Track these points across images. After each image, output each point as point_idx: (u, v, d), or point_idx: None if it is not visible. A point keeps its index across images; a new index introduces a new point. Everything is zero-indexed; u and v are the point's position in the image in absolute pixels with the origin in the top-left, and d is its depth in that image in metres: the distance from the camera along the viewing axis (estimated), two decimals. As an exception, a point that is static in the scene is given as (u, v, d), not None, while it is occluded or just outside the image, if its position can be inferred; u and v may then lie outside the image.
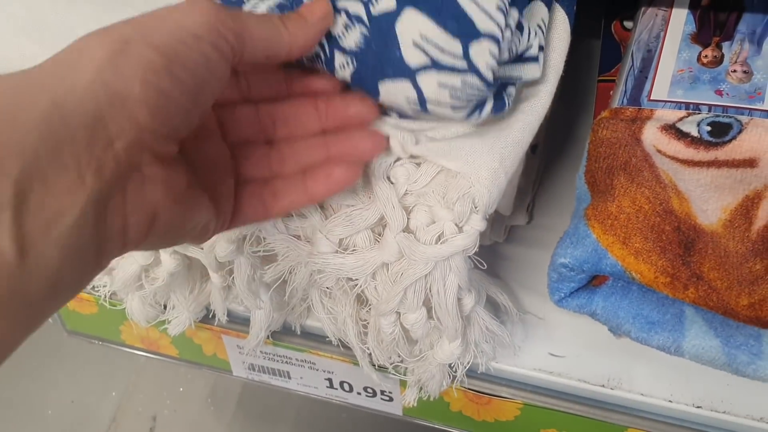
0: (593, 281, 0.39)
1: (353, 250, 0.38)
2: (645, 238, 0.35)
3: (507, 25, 0.33)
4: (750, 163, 0.36)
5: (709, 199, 0.36)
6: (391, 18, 0.32)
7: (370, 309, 0.41)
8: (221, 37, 0.27)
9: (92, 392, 1.01)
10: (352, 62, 0.33)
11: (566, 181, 0.53)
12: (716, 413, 0.42)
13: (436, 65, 0.32)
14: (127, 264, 0.45)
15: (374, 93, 0.34)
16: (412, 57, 0.32)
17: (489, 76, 0.32)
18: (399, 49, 0.32)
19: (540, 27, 0.36)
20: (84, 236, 0.22)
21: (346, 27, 0.33)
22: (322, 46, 0.33)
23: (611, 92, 0.43)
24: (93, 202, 0.23)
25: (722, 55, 0.40)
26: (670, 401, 0.43)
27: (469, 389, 0.46)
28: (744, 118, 0.37)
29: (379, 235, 0.38)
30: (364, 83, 0.33)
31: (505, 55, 0.34)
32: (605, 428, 0.45)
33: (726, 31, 0.41)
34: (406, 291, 0.37)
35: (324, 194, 0.34)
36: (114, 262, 0.46)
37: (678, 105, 0.39)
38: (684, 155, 0.37)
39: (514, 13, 0.34)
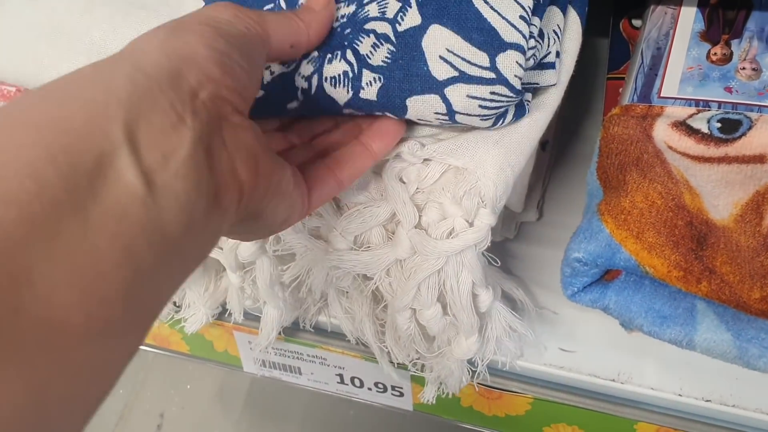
0: (605, 276, 0.39)
1: (367, 247, 0.39)
2: (658, 233, 0.35)
3: (531, 33, 0.33)
4: (760, 159, 0.36)
5: (720, 194, 0.36)
6: (417, 33, 0.33)
7: (386, 307, 0.41)
8: (250, 26, 0.29)
9: (99, 390, 1.01)
10: (380, 79, 0.33)
11: (575, 178, 0.53)
12: (725, 407, 0.42)
13: (464, 77, 0.33)
14: None
15: (401, 109, 0.34)
16: (439, 71, 0.33)
17: (517, 84, 0.33)
18: (426, 63, 0.33)
19: (556, 33, 0.37)
20: (200, 171, 0.23)
21: (374, 46, 0.33)
22: (350, 64, 0.34)
23: (621, 90, 0.44)
24: (198, 139, 0.24)
25: (731, 53, 0.41)
26: (679, 395, 0.43)
27: (480, 384, 0.47)
28: (753, 115, 0.37)
29: (392, 233, 0.38)
30: (391, 100, 0.34)
31: (531, 63, 0.34)
32: (615, 422, 0.45)
33: (735, 29, 0.41)
34: (419, 286, 0.38)
35: (383, 148, 0.35)
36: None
37: (688, 102, 0.39)
38: (695, 151, 0.37)
39: (536, 21, 0.34)
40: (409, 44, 0.33)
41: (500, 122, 0.35)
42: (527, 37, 0.33)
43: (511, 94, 0.33)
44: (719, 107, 0.38)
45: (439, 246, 0.36)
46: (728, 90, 0.39)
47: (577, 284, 0.38)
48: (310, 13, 0.34)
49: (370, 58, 0.33)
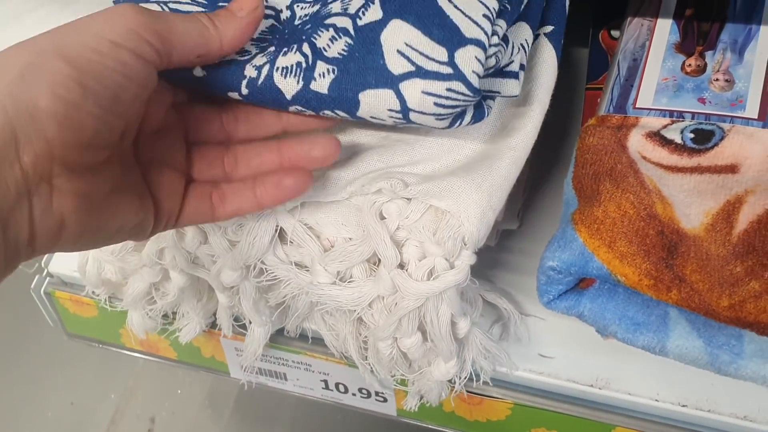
0: (581, 284, 0.40)
1: (350, 281, 0.39)
2: (630, 242, 0.36)
3: (494, 32, 0.33)
4: (731, 169, 0.37)
5: (691, 203, 0.37)
6: (376, 28, 0.32)
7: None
8: (143, 41, 0.27)
9: (91, 394, 1.01)
10: (333, 71, 0.32)
11: (555, 186, 0.54)
12: (701, 412, 0.43)
13: (420, 72, 0.32)
14: (136, 282, 0.46)
15: (354, 104, 0.33)
16: (395, 65, 0.32)
17: (475, 82, 0.32)
18: (383, 57, 0.32)
19: (523, 46, 0.36)
20: None
21: (332, 39, 0.33)
22: (305, 55, 0.33)
23: (598, 100, 0.44)
24: None
25: (705, 64, 0.41)
26: (656, 400, 0.44)
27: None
28: (726, 126, 0.38)
29: (375, 265, 0.39)
30: (343, 93, 0.33)
31: (492, 62, 0.33)
32: (594, 427, 0.46)
33: (709, 41, 0.42)
34: (401, 320, 0.38)
35: (272, 202, 0.34)
36: (122, 279, 0.47)
37: (662, 113, 0.40)
38: (668, 161, 0.38)
39: (501, 23, 0.34)
40: (367, 38, 0.32)
41: (457, 123, 0.34)
42: (489, 34, 0.32)
43: (468, 92, 0.32)
44: (693, 118, 0.39)
45: (420, 288, 0.36)
46: (702, 101, 0.40)
47: (553, 292, 0.39)
48: (229, 20, 0.31)
49: (326, 51, 0.33)
